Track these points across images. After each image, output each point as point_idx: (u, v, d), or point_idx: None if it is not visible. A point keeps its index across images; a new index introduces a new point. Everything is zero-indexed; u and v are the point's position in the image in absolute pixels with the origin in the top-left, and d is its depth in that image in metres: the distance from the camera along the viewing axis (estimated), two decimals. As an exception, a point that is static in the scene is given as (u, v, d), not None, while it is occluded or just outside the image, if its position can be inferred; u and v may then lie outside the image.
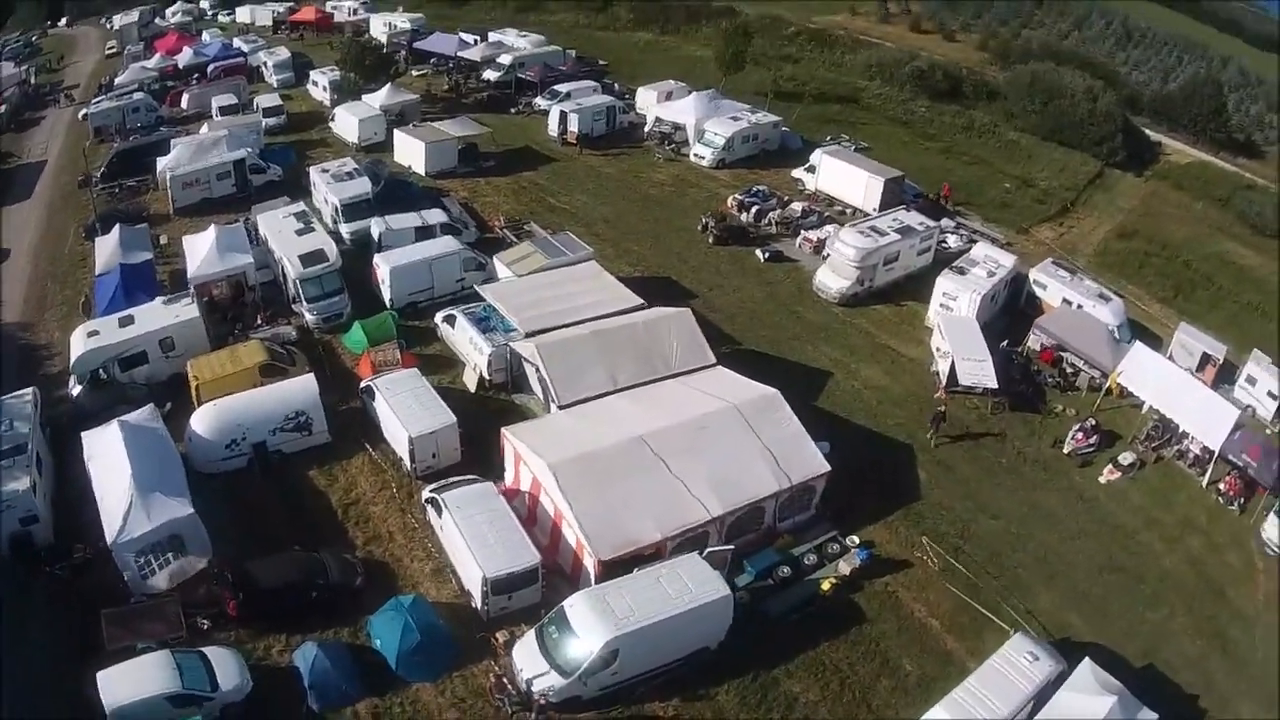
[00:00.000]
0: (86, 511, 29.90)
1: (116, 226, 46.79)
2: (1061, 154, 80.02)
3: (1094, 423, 43.33)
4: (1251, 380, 46.80)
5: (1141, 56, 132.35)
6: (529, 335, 37.62)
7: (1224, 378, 47.83)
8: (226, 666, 25.96)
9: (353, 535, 31.92)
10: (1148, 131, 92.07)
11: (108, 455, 30.83)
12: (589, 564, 28.77)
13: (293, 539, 30.63)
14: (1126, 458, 42.27)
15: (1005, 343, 46.86)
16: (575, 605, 26.81)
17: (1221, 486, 41.50)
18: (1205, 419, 42.58)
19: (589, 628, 26.11)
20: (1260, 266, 65.27)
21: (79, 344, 37.66)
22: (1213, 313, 56.83)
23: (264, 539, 30.59)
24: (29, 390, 35.23)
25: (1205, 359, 47.68)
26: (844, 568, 33.22)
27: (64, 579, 29.40)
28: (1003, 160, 76.83)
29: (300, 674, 26.46)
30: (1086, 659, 29.60)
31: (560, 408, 34.91)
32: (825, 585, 32.42)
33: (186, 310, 39.22)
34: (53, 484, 32.74)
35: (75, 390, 37.16)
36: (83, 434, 32.48)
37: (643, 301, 41.04)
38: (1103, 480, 41.39)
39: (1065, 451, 42.17)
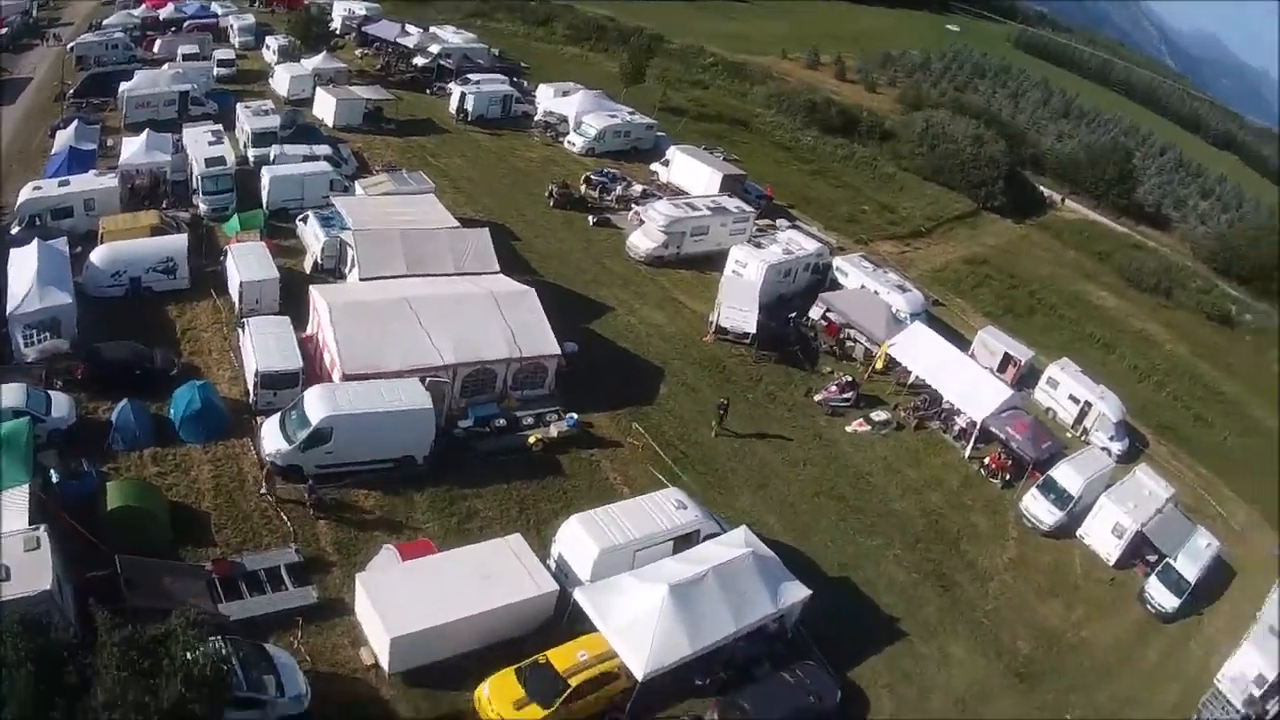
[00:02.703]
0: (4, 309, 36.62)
1: (75, 121, 54.85)
2: (937, 191, 78.29)
3: (851, 379, 43.81)
4: (1053, 383, 46.17)
5: (1072, 129, 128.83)
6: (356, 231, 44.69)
7: (1027, 383, 47.24)
8: (60, 404, 33.56)
9: (183, 346, 39.36)
10: (1043, 189, 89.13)
11: (24, 262, 38.63)
12: (336, 377, 36.01)
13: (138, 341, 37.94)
14: (880, 415, 41.67)
15: (794, 314, 49.94)
16: (310, 394, 33.66)
17: (986, 461, 40.44)
18: (974, 394, 41.69)
19: (314, 408, 32.81)
20: (1117, 309, 63.07)
21: (25, 195, 45.50)
22: (1046, 335, 55.82)
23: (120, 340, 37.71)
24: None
25: (1007, 359, 47.16)
26: (552, 430, 37.55)
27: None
28: (873, 189, 76.22)
29: (111, 421, 33.83)
30: (744, 525, 31.24)
31: (361, 279, 42.26)
32: (532, 439, 36.79)
33: (108, 181, 47.69)
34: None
35: (15, 229, 44.60)
36: (11, 249, 40.03)
37: (458, 224, 48.14)
38: (849, 430, 40.99)
39: (816, 400, 42.62)
